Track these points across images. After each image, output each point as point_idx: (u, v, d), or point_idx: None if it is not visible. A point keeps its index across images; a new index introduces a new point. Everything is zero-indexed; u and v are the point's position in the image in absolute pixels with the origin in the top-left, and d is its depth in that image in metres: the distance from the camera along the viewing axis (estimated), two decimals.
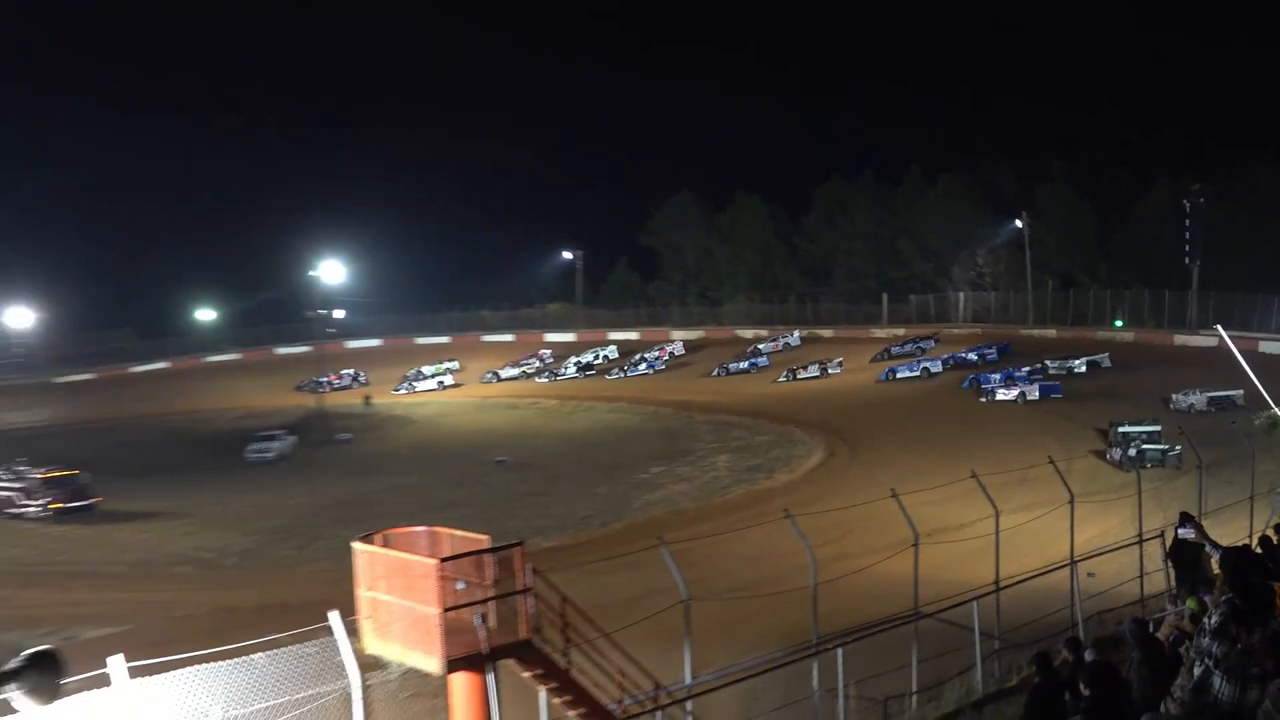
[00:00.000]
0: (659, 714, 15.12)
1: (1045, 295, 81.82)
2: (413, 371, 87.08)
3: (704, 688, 16.35)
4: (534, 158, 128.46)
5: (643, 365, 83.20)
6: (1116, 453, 42.17)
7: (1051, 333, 76.95)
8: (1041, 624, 19.44)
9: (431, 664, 13.35)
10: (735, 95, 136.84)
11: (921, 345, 73.80)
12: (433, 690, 13.84)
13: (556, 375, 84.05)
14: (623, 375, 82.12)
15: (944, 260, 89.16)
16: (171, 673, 11.68)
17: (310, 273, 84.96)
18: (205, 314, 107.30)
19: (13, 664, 6.64)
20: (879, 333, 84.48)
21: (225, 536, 40.54)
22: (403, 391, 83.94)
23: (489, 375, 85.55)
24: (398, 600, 13.81)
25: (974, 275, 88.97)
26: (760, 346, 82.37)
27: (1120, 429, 43.40)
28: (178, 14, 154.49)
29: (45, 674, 6.71)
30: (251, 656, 12.29)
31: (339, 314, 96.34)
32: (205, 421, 78.47)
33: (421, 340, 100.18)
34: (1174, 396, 51.48)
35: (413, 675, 13.70)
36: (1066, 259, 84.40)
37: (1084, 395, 55.20)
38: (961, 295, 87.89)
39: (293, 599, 27.78)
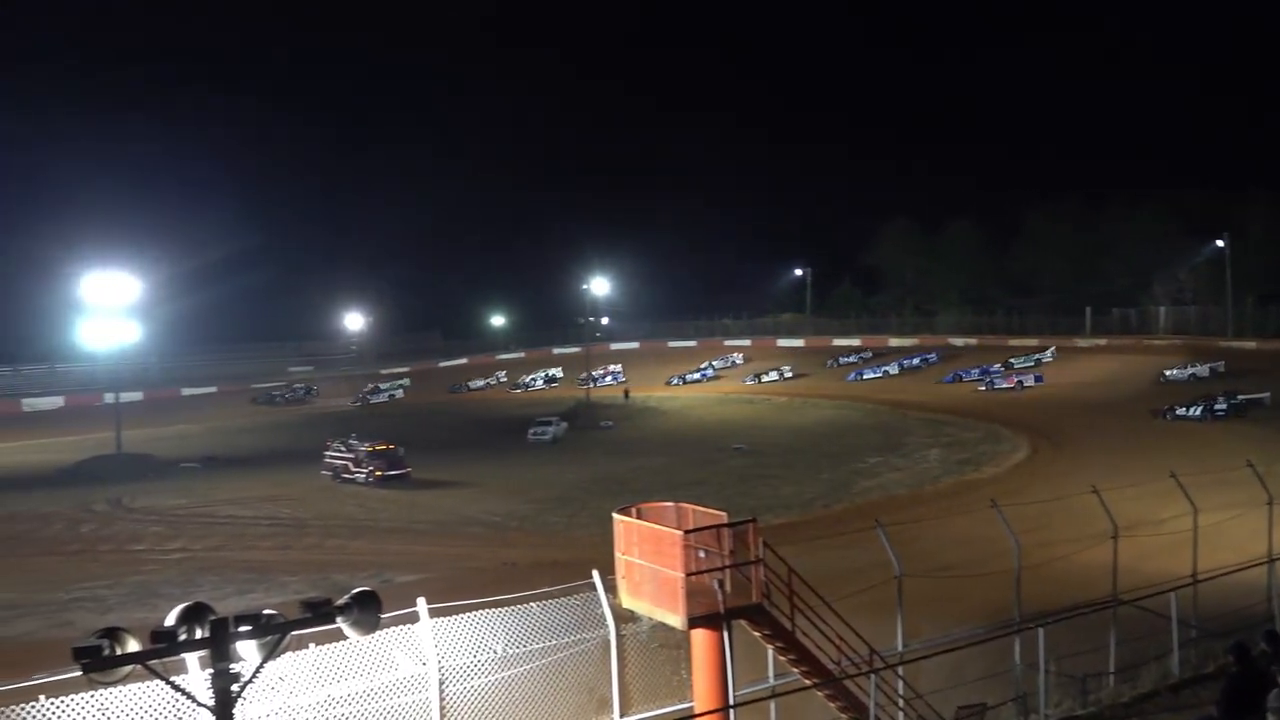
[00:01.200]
0: (873, 677, 14.74)
1: (1246, 309, 75.55)
2: (705, 365, 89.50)
3: (914, 655, 15.86)
4: (774, 186, 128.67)
5: (884, 369, 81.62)
6: None
7: (1251, 345, 70.93)
8: (1238, 616, 17.86)
9: (676, 620, 13.47)
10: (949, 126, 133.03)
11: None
12: (676, 642, 13.96)
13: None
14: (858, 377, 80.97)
15: (1145, 276, 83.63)
16: (464, 614, 12.26)
17: (583, 286, 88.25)
18: (497, 319, 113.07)
19: (342, 600, 7.13)
20: (1082, 343, 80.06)
21: (509, 503, 41.97)
22: (697, 379, 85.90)
23: (751, 378, 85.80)
24: (648, 564, 13.99)
25: (1175, 290, 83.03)
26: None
27: None
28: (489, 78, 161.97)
29: (366, 609, 7.19)
30: (528, 604, 12.73)
31: (605, 320, 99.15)
32: (495, 408, 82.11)
33: (673, 344, 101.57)
34: None
35: (660, 628, 13.85)
36: (1268, 275, 77.57)
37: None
38: (1162, 309, 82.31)
39: (562, 558, 28.48)
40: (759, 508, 31.76)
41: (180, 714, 9.32)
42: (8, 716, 9.41)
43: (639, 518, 14.95)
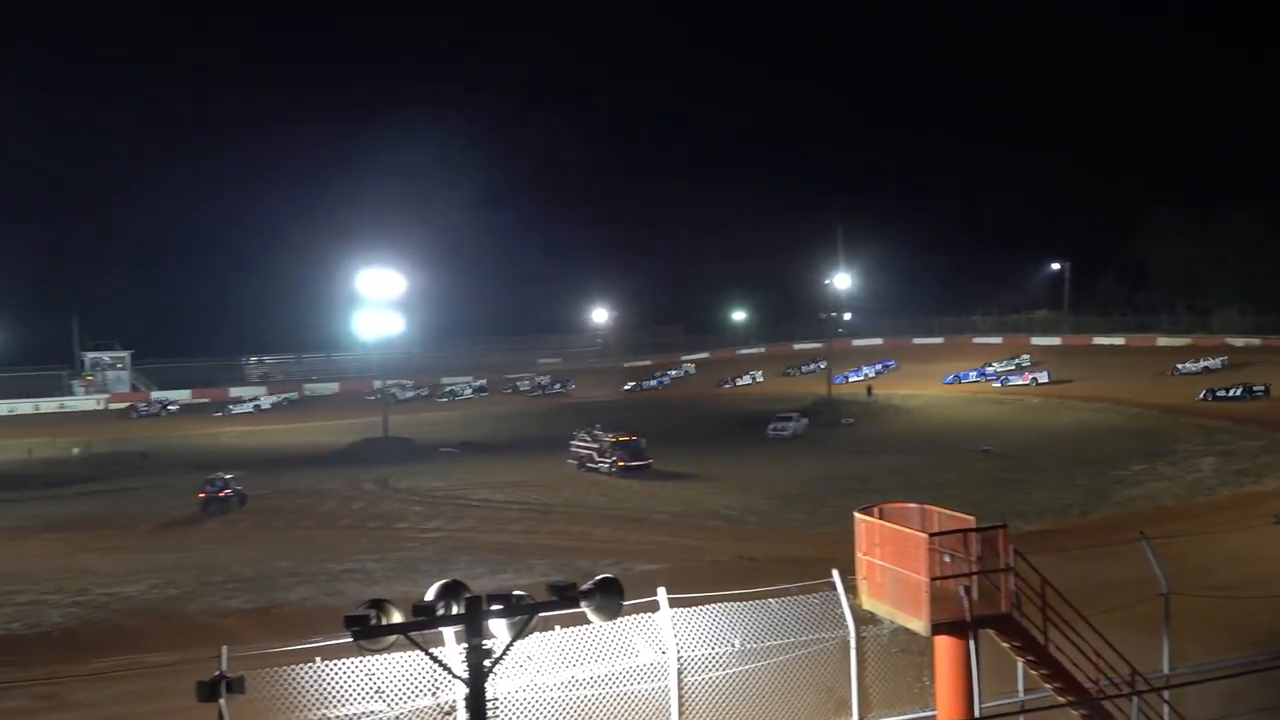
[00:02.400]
0: (1135, 700, 13.72)
1: None
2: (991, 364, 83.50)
3: (1182, 680, 14.64)
4: (1022, 179, 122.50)
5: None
6: None
7: None
8: None
9: (919, 625, 13.02)
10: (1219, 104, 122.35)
11: None
12: (919, 648, 13.51)
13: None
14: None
15: None
16: (702, 606, 12.34)
17: (825, 281, 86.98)
18: (738, 314, 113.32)
19: (586, 585, 7.31)
20: None
21: (747, 498, 42.03)
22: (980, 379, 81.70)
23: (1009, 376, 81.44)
24: (891, 566, 13.59)
25: None
26: None
27: None
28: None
29: (609, 595, 7.35)
30: (767, 600, 12.67)
31: (847, 316, 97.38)
32: (735, 403, 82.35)
33: (917, 341, 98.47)
34: None
35: (901, 633, 13.44)
36: None
37: None
38: None
39: (800, 555, 28.16)
40: (1008, 513, 30.32)
41: (437, 684, 9.88)
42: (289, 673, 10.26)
43: (881, 518, 14.55)
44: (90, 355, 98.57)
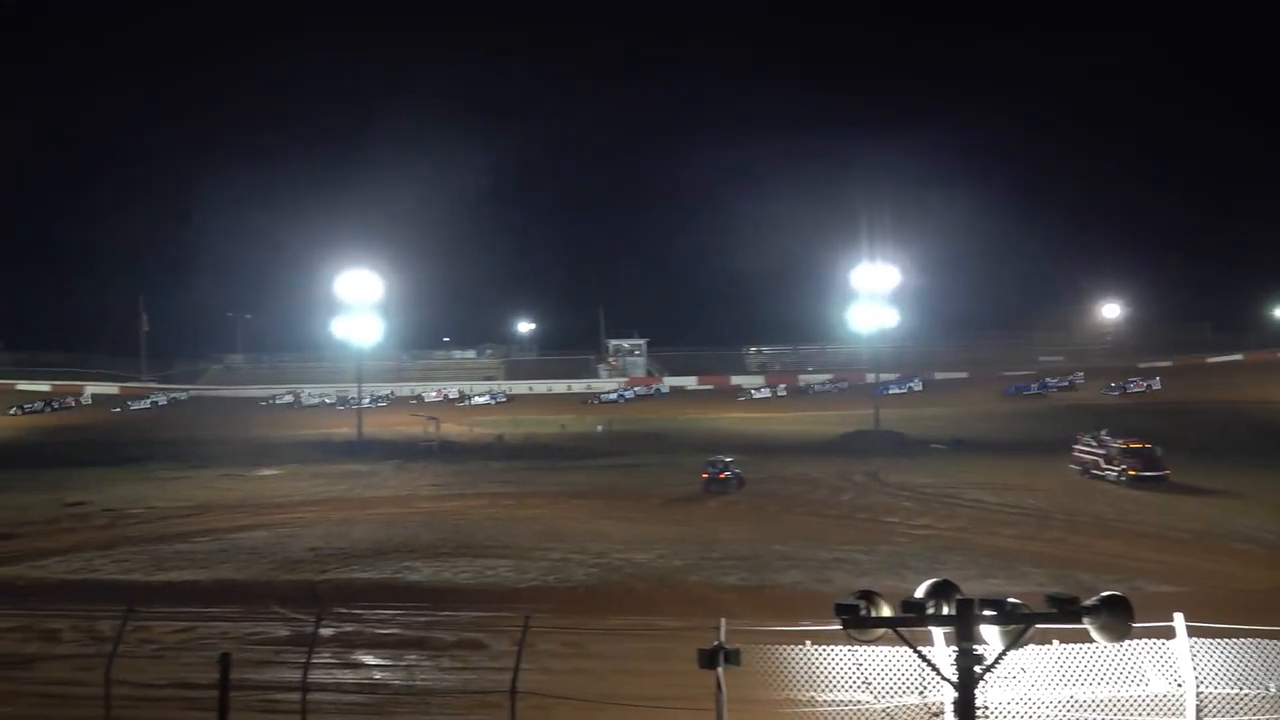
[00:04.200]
0: None
1: None
2: None
3: None
4: None
5: None
6: None
7: None
8: None
9: None
10: None
11: None
12: None
13: None
14: None
15: None
16: (1228, 640, 10.93)
17: None
18: None
19: (1090, 601, 6.82)
20: None
21: None
22: None
23: None
24: None
25: None
26: None
27: None
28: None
29: (1116, 615, 6.79)
30: None
31: None
32: (1276, 412, 71.91)
33: None
34: None
35: None
36: None
37: None
38: None
39: None
40: None
41: (924, 683, 9.76)
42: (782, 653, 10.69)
43: None
44: (613, 342, 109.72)
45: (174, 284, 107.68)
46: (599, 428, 76.17)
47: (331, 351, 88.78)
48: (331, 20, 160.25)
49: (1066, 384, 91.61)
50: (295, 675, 16.39)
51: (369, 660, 21.69)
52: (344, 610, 25.44)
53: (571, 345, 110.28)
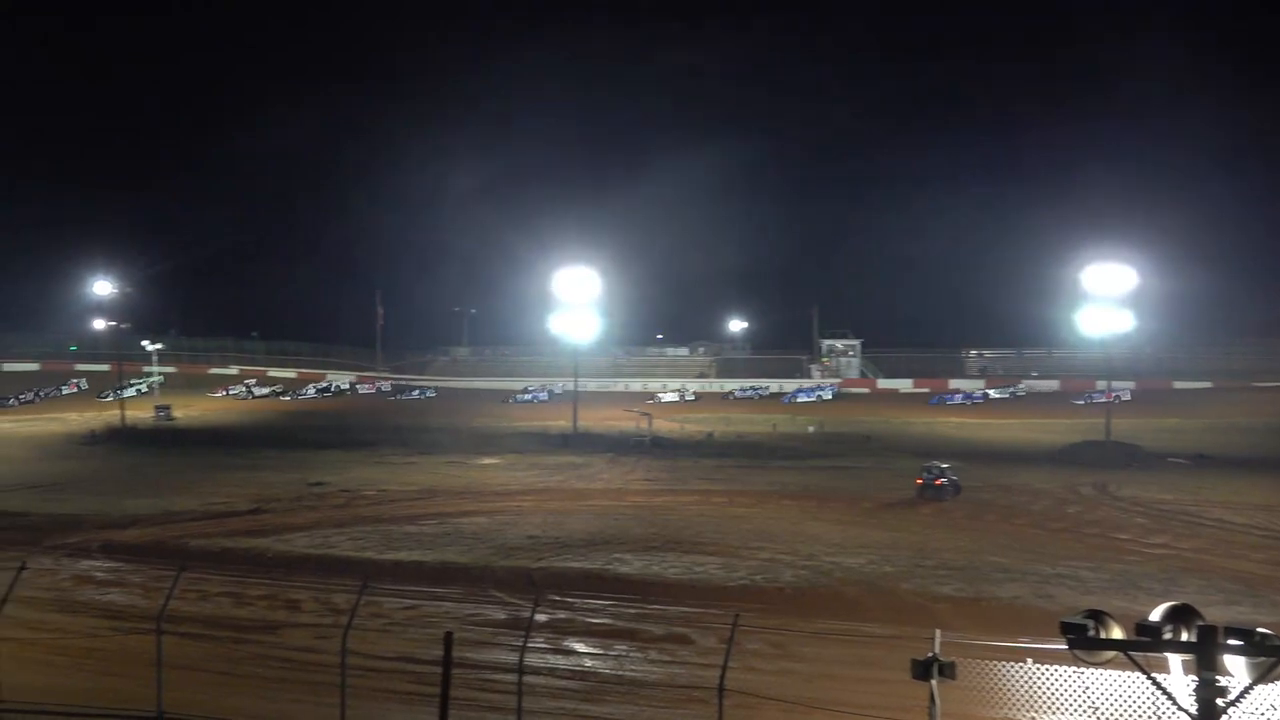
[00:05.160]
0: None
1: None
2: None
3: None
4: None
5: None
6: None
7: None
8: None
9: None
10: None
11: None
12: None
13: None
14: None
15: None
16: None
17: None
18: None
19: None
20: None
21: None
22: None
23: None
24: None
25: None
26: None
27: None
28: None
29: None
30: None
31: None
32: None
33: None
34: None
35: None
36: None
37: None
38: None
39: None
40: None
41: (1159, 713, 9.15)
42: (998, 670, 10.27)
43: None
44: (826, 342, 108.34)
45: (408, 281, 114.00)
46: (810, 428, 75.44)
47: (549, 346, 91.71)
48: (561, 27, 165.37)
49: None
50: (510, 657, 17.05)
51: (580, 648, 22.29)
52: (557, 597, 26.27)
53: (784, 344, 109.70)
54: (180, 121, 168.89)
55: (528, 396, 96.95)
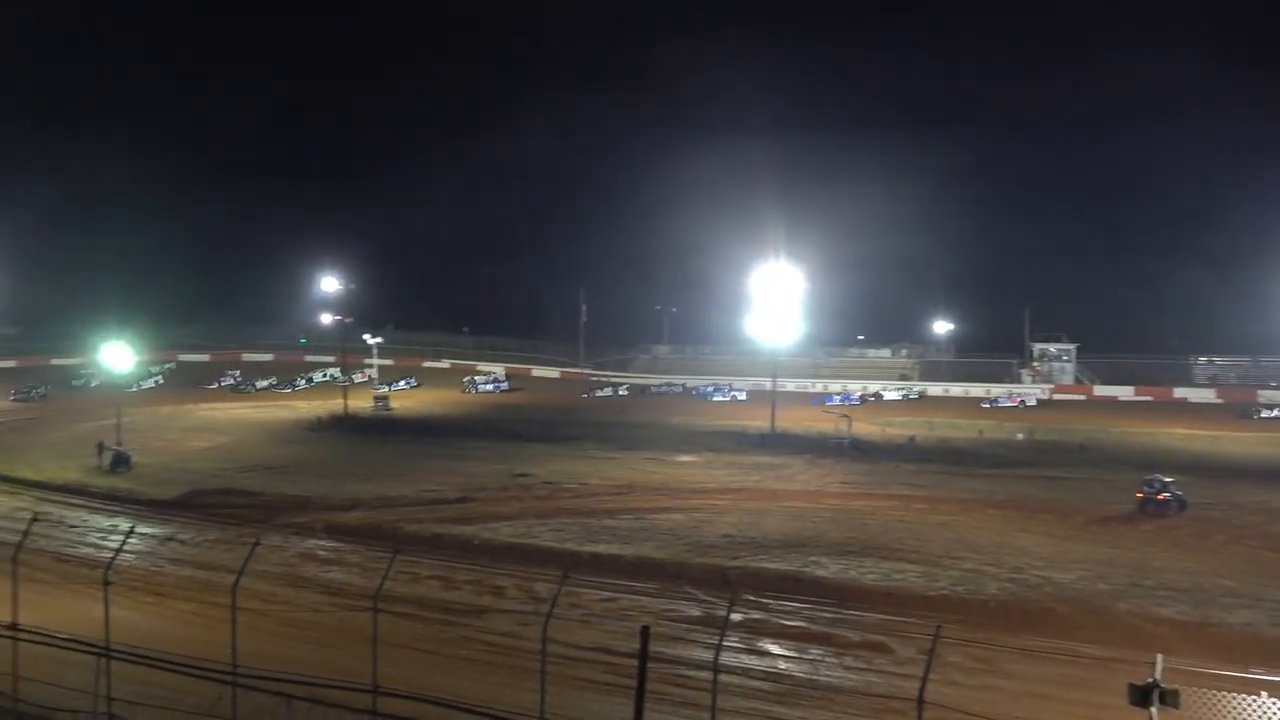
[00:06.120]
0: None
1: None
2: None
3: None
4: None
5: None
6: None
7: None
8: None
9: None
10: None
11: None
12: None
13: None
14: None
15: None
16: None
17: None
18: None
19: None
20: None
21: None
22: None
23: None
24: None
25: None
26: None
27: None
28: None
29: None
30: None
31: None
32: None
33: None
34: None
35: None
36: None
37: None
38: None
39: None
40: None
41: None
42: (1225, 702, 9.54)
43: None
44: (1038, 346, 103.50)
45: (612, 279, 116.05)
46: (1019, 435, 72.17)
47: (748, 345, 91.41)
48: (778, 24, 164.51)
49: None
50: (704, 655, 17.12)
51: (774, 649, 22.20)
52: (752, 597, 26.23)
53: (992, 347, 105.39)
54: (412, 133, 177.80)
55: (723, 395, 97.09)
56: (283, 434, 68.15)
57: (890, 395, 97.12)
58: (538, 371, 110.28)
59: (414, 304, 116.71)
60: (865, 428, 67.73)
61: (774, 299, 73.40)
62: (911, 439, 66.61)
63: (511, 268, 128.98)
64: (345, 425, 73.07)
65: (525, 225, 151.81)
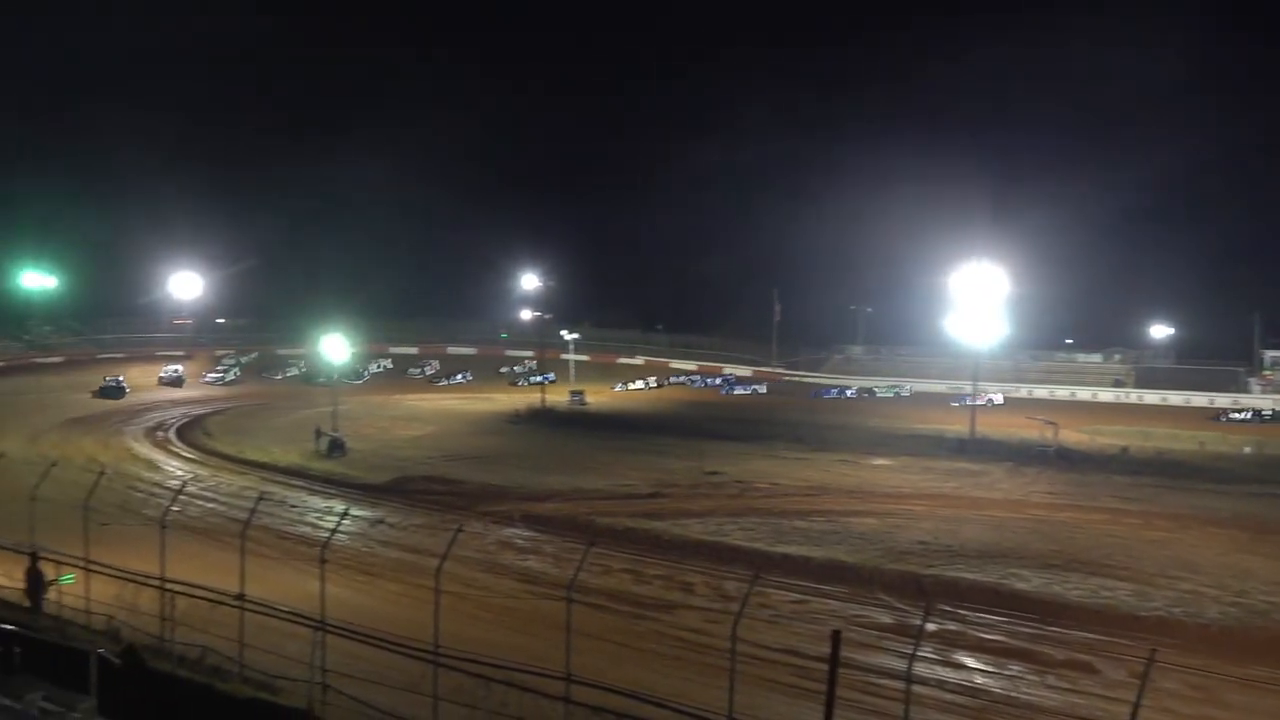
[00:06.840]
0: None
1: None
2: None
3: None
4: None
5: None
6: None
7: None
8: None
9: None
10: None
11: None
12: None
13: None
14: None
15: None
16: None
17: None
18: None
19: None
20: None
21: None
22: None
23: None
24: None
25: None
26: None
27: None
28: None
29: None
30: None
31: None
32: None
33: None
34: None
35: None
36: None
37: None
38: None
39: None
40: None
41: None
42: None
43: None
44: (1270, 354, 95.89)
45: (806, 278, 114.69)
46: (1246, 449, 66.99)
47: (948, 347, 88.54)
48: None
49: None
50: (897, 664, 16.73)
51: (970, 663, 21.45)
52: (948, 608, 25.42)
53: (1216, 354, 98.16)
54: (619, 136, 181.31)
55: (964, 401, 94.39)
56: (484, 425, 70.79)
57: (1104, 396, 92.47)
58: (729, 370, 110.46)
59: (610, 302, 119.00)
60: (1073, 436, 64.53)
61: (976, 299, 70.79)
62: (1124, 449, 62.95)
63: (707, 266, 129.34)
64: (543, 418, 75.27)
65: (721, 225, 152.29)
